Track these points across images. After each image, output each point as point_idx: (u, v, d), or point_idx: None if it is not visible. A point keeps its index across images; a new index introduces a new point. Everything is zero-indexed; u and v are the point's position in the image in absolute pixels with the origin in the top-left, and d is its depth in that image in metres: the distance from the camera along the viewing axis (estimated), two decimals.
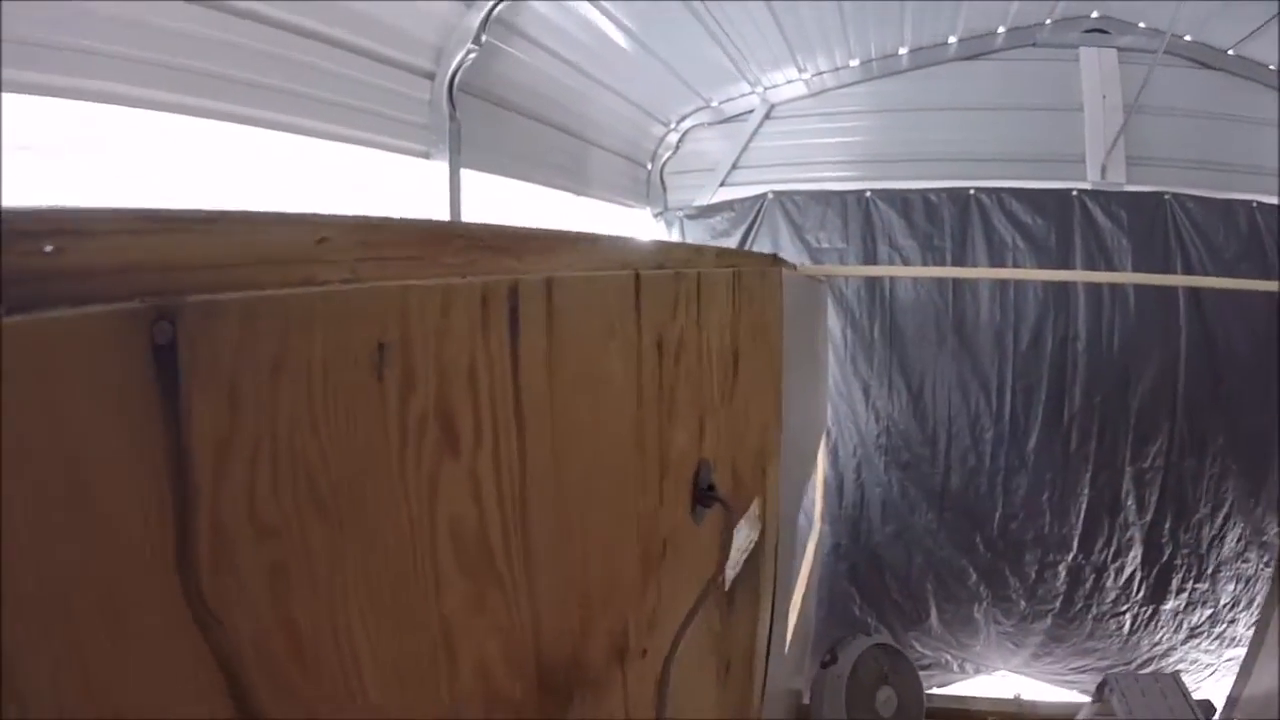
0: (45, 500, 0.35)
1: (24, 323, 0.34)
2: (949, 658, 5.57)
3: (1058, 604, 5.41)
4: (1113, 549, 5.30)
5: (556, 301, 0.82)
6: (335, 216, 0.55)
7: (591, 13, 4.51)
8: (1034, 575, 5.40)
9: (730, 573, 1.90)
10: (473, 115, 4.26)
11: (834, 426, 5.52)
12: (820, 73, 5.61)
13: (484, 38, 3.96)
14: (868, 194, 5.42)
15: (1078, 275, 4.97)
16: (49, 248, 0.36)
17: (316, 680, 0.52)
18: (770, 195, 5.67)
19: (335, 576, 0.53)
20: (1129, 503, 5.25)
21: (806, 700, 4.58)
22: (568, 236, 0.94)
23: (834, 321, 5.51)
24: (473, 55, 4.01)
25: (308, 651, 0.51)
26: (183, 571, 0.42)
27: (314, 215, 0.53)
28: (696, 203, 6.14)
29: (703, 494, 1.42)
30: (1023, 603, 5.44)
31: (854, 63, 5.52)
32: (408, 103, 3.99)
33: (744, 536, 2.03)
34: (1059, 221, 5.11)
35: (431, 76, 4.05)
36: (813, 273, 3.35)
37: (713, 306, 1.50)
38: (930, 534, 5.45)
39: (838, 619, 5.41)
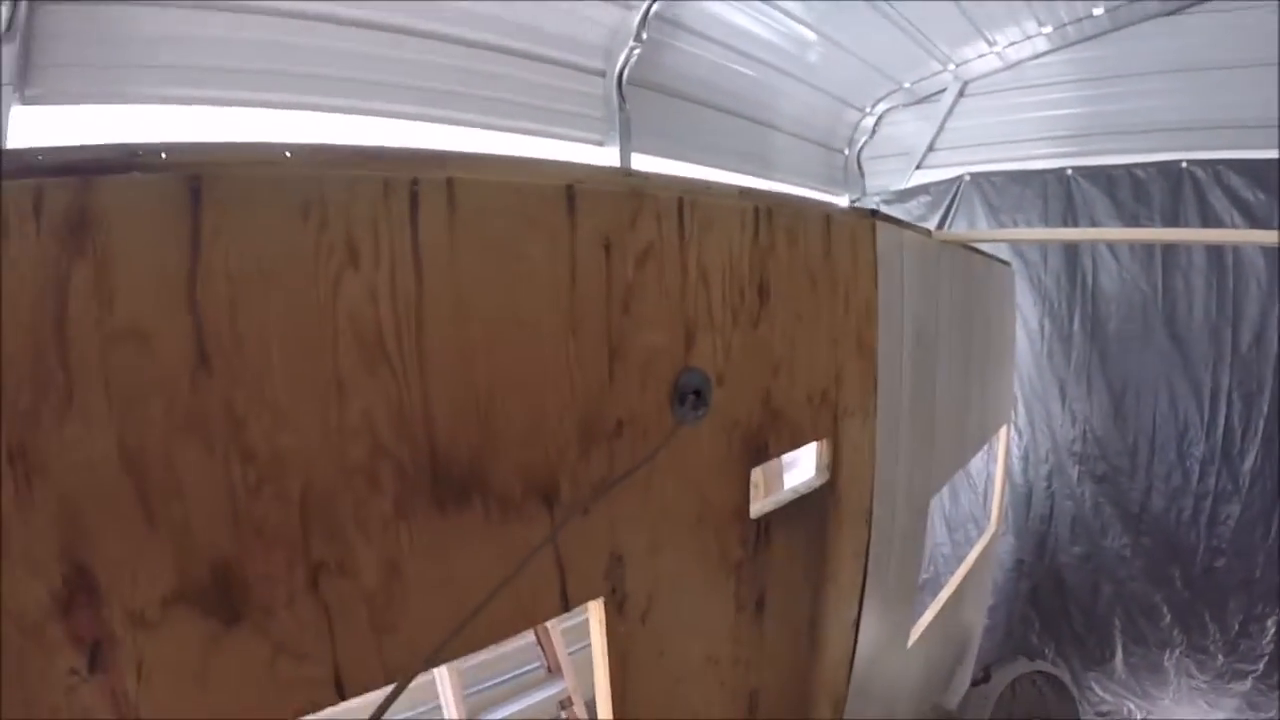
0: None
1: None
2: (1131, 707, 4.82)
3: (1261, 665, 4.48)
4: None
5: (461, 195, 1.14)
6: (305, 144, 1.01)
7: (762, 7, 4.62)
8: (1238, 627, 4.54)
9: (765, 505, 1.93)
10: (643, 106, 4.60)
11: (1027, 427, 5.08)
12: (1012, 44, 5.19)
13: (644, 35, 4.25)
14: (1069, 171, 4.94)
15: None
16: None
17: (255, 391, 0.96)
18: (967, 177, 5.40)
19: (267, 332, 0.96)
20: None
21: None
22: (499, 158, 1.24)
23: (1029, 311, 5.09)
24: (637, 52, 4.31)
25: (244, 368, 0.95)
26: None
27: (290, 144, 0.99)
28: (893, 187, 5.97)
29: (684, 396, 1.52)
30: (1221, 657, 4.59)
31: (1046, 29, 5.03)
32: (584, 99, 4.44)
33: (791, 474, 2.05)
34: None
35: (603, 74, 4.44)
36: (946, 238, 3.14)
37: (713, 233, 1.60)
38: (1123, 561, 4.81)
39: (1014, 643, 4.94)
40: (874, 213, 2.34)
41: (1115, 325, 4.81)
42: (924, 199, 5.64)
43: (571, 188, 1.28)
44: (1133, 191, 4.67)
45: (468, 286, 1.15)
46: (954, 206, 5.43)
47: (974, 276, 3.79)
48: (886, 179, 6.13)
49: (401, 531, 1.10)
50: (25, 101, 2.80)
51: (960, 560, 4.83)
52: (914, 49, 5.27)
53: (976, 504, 5.24)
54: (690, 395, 1.55)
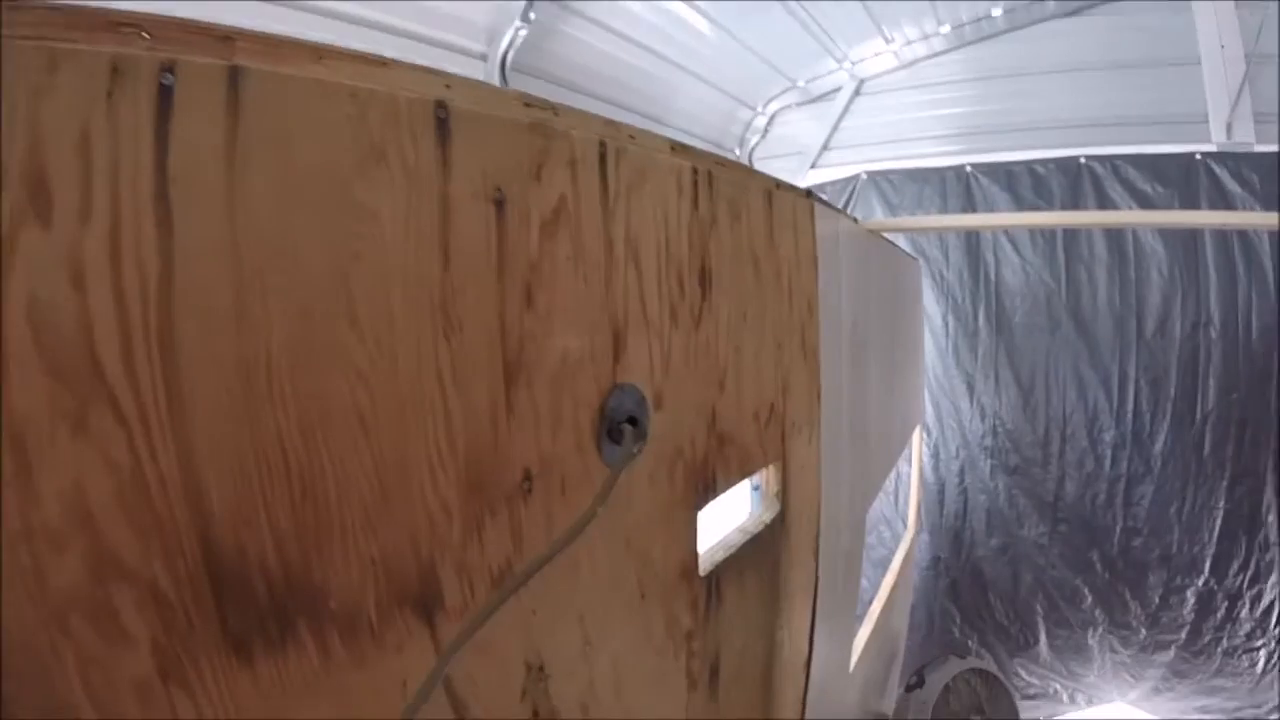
0: None
1: None
2: (1058, 688, 4.89)
3: (1183, 634, 4.62)
4: (1249, 573, 4.46)
5: (252, 98, 0.65)
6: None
7: None
8: (1158, 600, 4.65)
9: (716, 554, 1.59)
10: (530, 91, 4.22)
11: (935, 425, 5.03)
12: (910, 42, 5.21)
13: (532, 15, 3.90)
14: (968, 169, 4.93)
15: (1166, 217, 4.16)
16: None
17: None
18: (864, 176, 5.31)
19: None
20: (1270, 519, 4.41)
21: None
22: (326, 48, 0.71)
23: (933, 307, 5.05)
24: (523, 33, 3.97)
25: None
26: None
27: None
28: None
29: (615, 426, 1.09)
30: (1144, 631, 4.70)
31: (944, 29, 5.07)
32: None
33: (743, 512, 1.71)
34: (1183, 189, 4.39)
35: (484, 58, 4.06)
36: (875, 228, 2.94)
37: (644, 194, 1.21)
38: (1040, 549, 4.83)
39: (936, 640, 4.87)
40: (810, 193, 2.05)
41: (1021, 318, 4.83)
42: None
43: (444, 105, 0.80)
44: (1033, 187, 4.70)
45: (259, 259, 0.65)
46: (850, 205, 5.36)
47: (895, 270, 3.63)
48: (780, 177, 5.95)
49: (179, 702, 0.62)
50: None
51: (875, 564, 4.71)
52: (811, 45, 5.19)
53: (887, 504, 5.17)
54: (624, 425, 1.09)
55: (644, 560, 1.23)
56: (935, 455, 5.01)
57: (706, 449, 1.42)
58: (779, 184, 1.86)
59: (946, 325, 4.99)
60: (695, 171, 1.40)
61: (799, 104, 5.86)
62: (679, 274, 1.31)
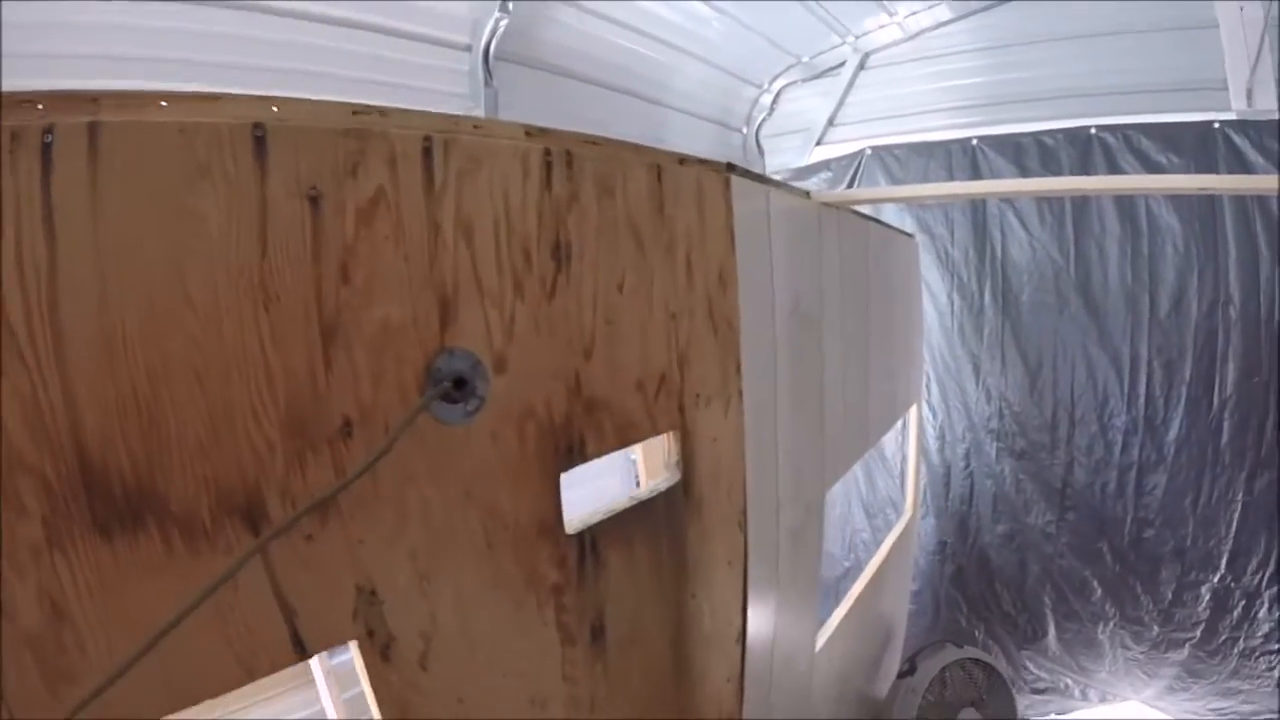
0: None
1: None
2: (1069, 683, 4.71)
3: (1198, 633, 4.38)
4: (1269, 571, 4.19)
5: (107, 143, 0.92)
6: None
7: None
8: (1171, 596, 4.42)
9: (593, 516, 1.62)
10: (516, 82, 4.25)
11: (941, 406, 4.89)
12: (912, 13, 5.02)
13: (510, 5, 3.90)
14: (974, 142, 4.75)
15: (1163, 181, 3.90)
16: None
17: None
18: (868, 151, 5.20)
19: None
20: None
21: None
22: (172, 94, 0.99)
23: (937, 284, 4.91)
24: (504, 22, 3.97)
25: None
26: None
27: None
28: (793, 165, 5.75)
29: (439, 385, 1.23)
30: (1156, 627, 4.48)
31: None
32: (451, 76, 4.06)
33: (626, 474, 1.74)
34: (1200, 159, 4.10)
35: (469, 49, 4.07)
36: (830, 200, 2.86)
37: (479, 179, 1.31)
38: (1048, 538, 4.64)
39: (941, 628, 4.76)
40: (730, 167, 2.03)
41: (1028, 296, 4.65)
42: (825, 175, 5.44)
43: (260, 126, 1.03)
44: (1041, 159, 4.51)
45: (116, 254, 0.94)
46: (856, 181, 5.24)
47: (870, 247, 3.54)
48: (787, 157, 5.91)
49: (59, 564, 0.90)
50: None
51: (880, 544, 4.64)
52: (812, 22, 5.07)
53: (894, 487, 5.07)
54: (450, 384, 1.25)
55: (489, 511, 1.35)
56: (941, 437, 4.88)
57: (569, 413, 1.50)
58: (683, 159, 1.85)
59: (951, 303, 4.84)
60: (548, 153, 1.44)
61: (804, 80, 5.73)
62: (525, 249, 1.40)
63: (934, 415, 4.90)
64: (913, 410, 4.27)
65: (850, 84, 5.43)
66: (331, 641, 1.16)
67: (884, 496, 5.18)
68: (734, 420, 2.03)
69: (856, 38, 5.26)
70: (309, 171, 1.08)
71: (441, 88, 4.04)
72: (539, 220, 1.43)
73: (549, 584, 1.50)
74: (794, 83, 5.81)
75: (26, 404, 0.87)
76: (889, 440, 4.95)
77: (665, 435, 1.83)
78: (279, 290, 1.06)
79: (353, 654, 1.19)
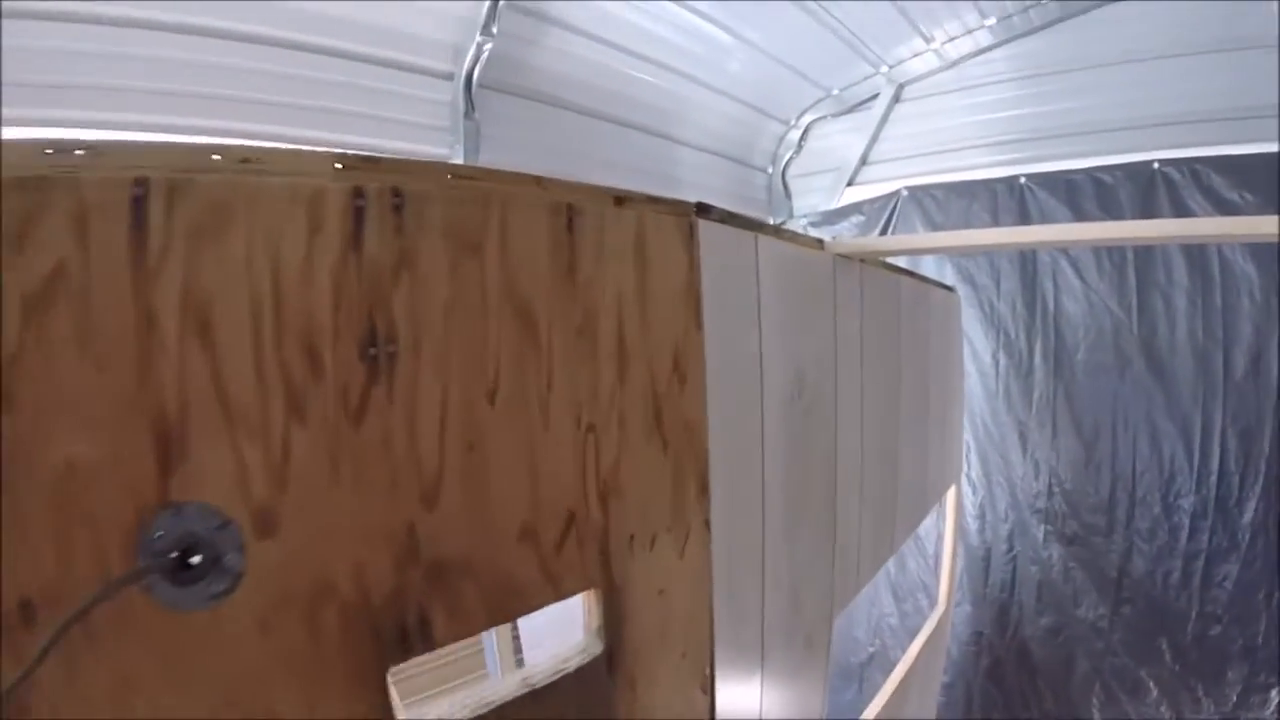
0: None
1: None
2: None
3: None
4: None
5: None
6: None
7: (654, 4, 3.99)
8: (1236, 699, 3.80)
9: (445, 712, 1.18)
10: (504, 114, 3.91)
11: (983, 481, 4.35)
12: (951, 39, 4.59)
13: (495, 28, 3.56)
14: (1022, 180, 4.25)
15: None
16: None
17: None
18: (904, 192, 4.75)
19: None
20: None
21: None
22: None
23: (981, 342, 4.41)
24: (488, 48, 3.63)
25: None
26: None
27: None
28: (822, 208, 5.32)
29: (163, 559, 0.86)
30: None
31: (989, 21, 4.44)
32: (429, 106, 3.74)
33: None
34: (1277, 196, 3.53)
35: (451, 77, 3.74)
36: (849, 251, 2.35)
37: (228, 240, 0.89)
38: (1099, 633, 4.05)
39: None
40: (701, 207, 1.55)
41: (1083, 356, 4.10)
42: (856, 219, 5.01)
43: None
44: (1098, 199, 3.98)
45: None
46: (891, 225, 4.80)
47: (902, 305, 3.01)
48: (815, 198, 5.50)
49: None
50: None
51: (910, 633, 4.09)
52: (842, 50, 4.67)
53: (926, 569, 4.53)
54: (178, 557, 0.86)
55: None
56: (981, 517, 4.34)
57: (398, 585, 1.05)
58: (622, 198, 1.37)
59: (997, 364, 4.31)
60: (359, 194, 0.98)
61: (834, 114, 5.32)
62: (310, 346, 0.95)
63: (974, 491, 4.37)
64: (950, 491, 3.71)
65: (884, 118, 5.00)
66: None
67: (915, 579, 4.64)
68: (694, 560, 1.54)
69: (890, 67, 4.85)
70: None
71: (421, 120, 3.74)
72: (337, 299, 0.96)
73: None
74: (823, 117, 5.40)
75: None
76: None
77: (588, 593, 1.34)
78: None
79: None
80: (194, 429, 0.87)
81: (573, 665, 1.31)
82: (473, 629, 1.15)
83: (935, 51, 4.65)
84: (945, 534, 3.92)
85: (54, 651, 0.79)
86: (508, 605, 1.19)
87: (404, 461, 1.04)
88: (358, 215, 0.98)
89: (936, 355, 3.48)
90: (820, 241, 2.24)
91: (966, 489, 4.36)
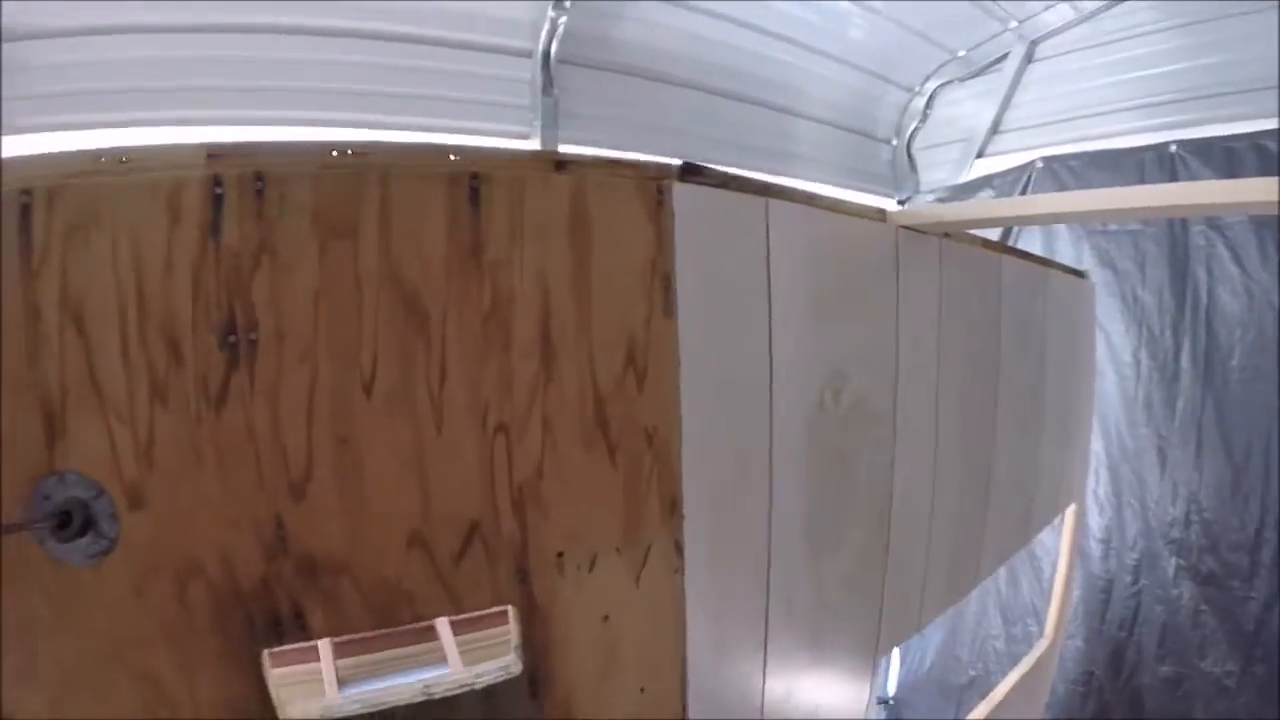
0: None
1: None
2: None
3: None
4: None
5: None
6: None
7: None
8: None
9: (328, 708, 1.20)
10: (587, 89, 3.80)
11: (1111, 501, 3.82)
12: None
13: (567, 2, 3.46)
14: (1172, 148, 3.65)
15: None
16: None
17: None
18: (1039, 164, 4.24)
19: None
20: None
21: None
22: None
23: (1120, 339, 3.85)
24: (562, 22, 3.53)
25: None
26: None
27: None
28: (950, 182, 4.90)
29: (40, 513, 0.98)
30: None
31: None
32: (509, 85, 3.70)
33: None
34: None
35: (530, 55, 3.67)
36: (918, 223, 2.02)
37: (103, 238, 0.98)
38: (1224, 692, 3.46)
39: None
40: (688, 169, 1.34)
41: (1239, 361, 3.45)
42: (987, 194, 4.52)
43: None
44: (1260, 169, 3.33)
45: None
46: None
47: (1004, 289, 2.61)
48: (943, 172, 5.04)
49: None
50: None
51: (1016, 660, 3.72)
52: (966, 6, 4.22)
53: (1040, 592, 4.05)
54: (59, 517, 0.99)
55: (149, 682, 1.06)
56: (1106, 541, 3.81)
57: (265, 575, 1.07)
58: (562, 162, 1.19)
59: (1137, 365, 3.74)
60: (217, 182, 0.99)
61: (961, 79, 4.82)
62: (170, 335, 1.01)
63: (1100, 512, 3.85)
64: (1070, 510, 3.26)
65: (1016, 80, 4.48)
66: None
67: (1027, 603, 4.20)
68: (657, 586, 1.37)
69: (1020, 22, 4.32)
70: None
71: (505, 99, 3.70)
72: (196, 288, 1.00)
73: None
74: (949, 82, 4.92)
75: None
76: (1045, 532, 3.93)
77: (506, 609, 1.20)
78: None
79: None
80: (71, 408, 0.97)
81: (481, 681, 1.22)
82: (355, 627, 1.13)
83: (1070, 3, 4.10)
84: (1060, 558, 3.46)
85: None
86: (395, 609, 1.13)
87: (269, 451, 1.05)
88: (215, 203, 0.99)
89: (1057, 351, 3.03)
90: (882, 212, 1.93)
91: (1092, 508, 3.87)
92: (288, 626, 1.08)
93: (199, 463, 1.02)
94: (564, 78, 3.64)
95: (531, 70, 3.65)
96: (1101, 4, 3.98)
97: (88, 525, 1.00)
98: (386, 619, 1.13)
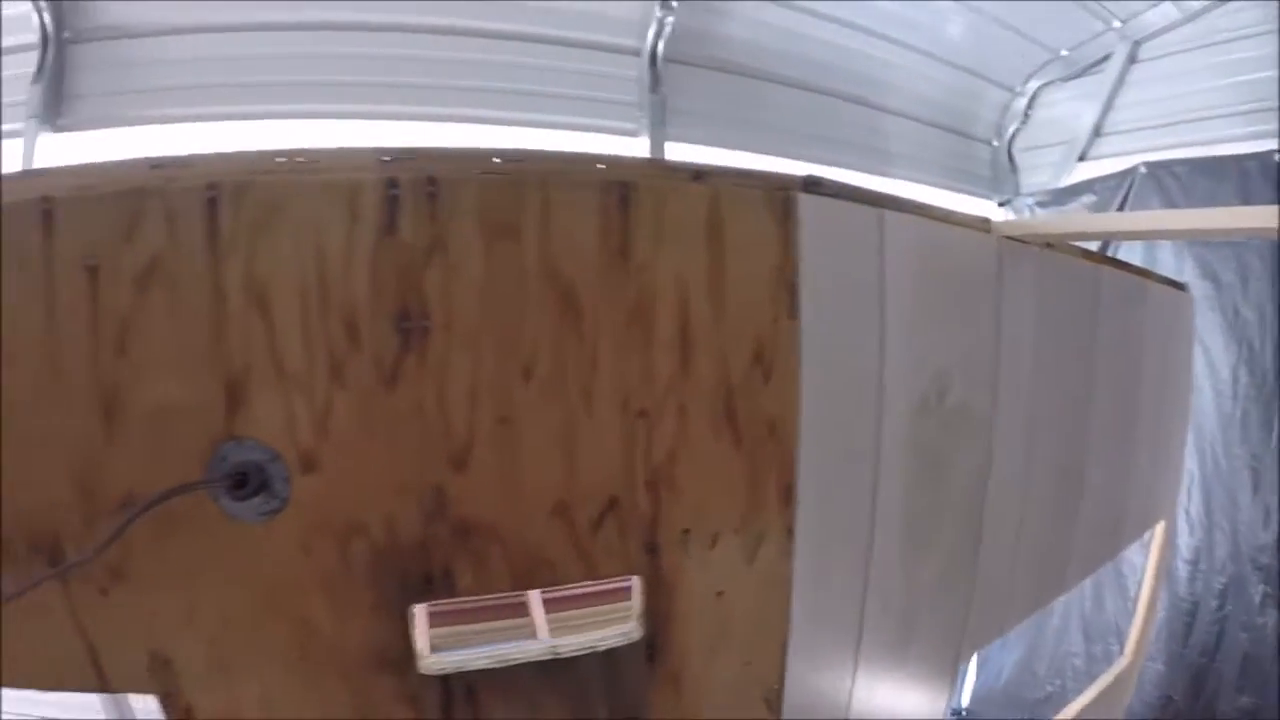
0: None
1: None
2: None
3: None
4: None
5: None
6: None
7: None
8: None
9: (471, 659, 1.29)
10: (692, 86, 3.88)
11: (1202, 521, 3.71)
12: None
13: (674, 2, 3.53)
14: (1277, 157, 3.52)
15: None
16: None
17: None
18: (1141, 169, 4.10)
19: None
20: None
21: None
22: None
23: (1219, 355, 3.72)
24: (669, 22, 3.62)
25: None
26: None
27: None
28: (1051, 185, 4.79)
29: (226, 478, 1.10)
30: None
31: None
32: (617, 83, 3.82)
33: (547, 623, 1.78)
34: None
35: (638, 53, 3.78)
36: (1021, 234, 2.03)
37: (281, 231, 1.08)
38: None
39: None
40: (810, 182, 1.40)
41: None
42: (1088, 198, 4.38)
43: (49, 199, 1.02)
44: None
45: None
46: (1126, 207, 4.15)
47: (1102, 299, 2.58)
48: (1043, 175, 4.93)
49: None
50: (56, 130, 3.15)
51: (1093, 679, 3.61)
52: (1069, 5, 4.16)
53: (1125, 612, 3.92)
54: (236, 478, 1.11)
55: (302, 626, 1.19)
56: (1194, 563, 3.70)
57: (424, 537, 1.18)
58: (700, 172, 1.27)
59: (1235, 382, 3.62)
60: (393, 185, 1.09)
61: (1063, 79, 4.72)
62: (348, 320, 1.11)
63: (1190, 532, 3.74)
64: (1160, 528, 3.19)
65: (1119, 81, 4.38)
66: (134, 688, 1.18)
67: (1111, 622, 4.10)
68: (768, 568, 1.44)
69: (1123, 22, 4.22)
70: (89, 240, 1.04)
71: (613, 96, 3.82)
72: (373, 280, 1.09)
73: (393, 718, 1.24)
74: (1051, 82, 4.84)
75: None
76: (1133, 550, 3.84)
77: (633, 579, 1.33)
78: (63, 360, 1.05)
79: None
80: (253, 382, 1.08)
81: (603, 645, 1.33)
82: (497, 588, 1.25)
83: (1175, 2, 3.97)
84: (1146, 577, 3.37)
85: (146, 532, 1.07)
86: (536, 574, 1.25)
87: (435, 426, 1.15)
88: (392, 204, 1.09)
89: (1153, 364, 2.97)
90: (986, 221, 1.96)
91: (1182, 527, 3.75)
92: (437, 584, 1.19)
93: (370, 434, 1.12)
94: (671, 76, 3.74)
95: (639, 68, 3.75)
96: (1206, 3, 3.84)
97: (262, 486, 1.10)
98: (526, 582, 1.26)
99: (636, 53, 3.75)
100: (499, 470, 1.17)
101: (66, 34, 3.05)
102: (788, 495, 1.42)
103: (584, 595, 2.43)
